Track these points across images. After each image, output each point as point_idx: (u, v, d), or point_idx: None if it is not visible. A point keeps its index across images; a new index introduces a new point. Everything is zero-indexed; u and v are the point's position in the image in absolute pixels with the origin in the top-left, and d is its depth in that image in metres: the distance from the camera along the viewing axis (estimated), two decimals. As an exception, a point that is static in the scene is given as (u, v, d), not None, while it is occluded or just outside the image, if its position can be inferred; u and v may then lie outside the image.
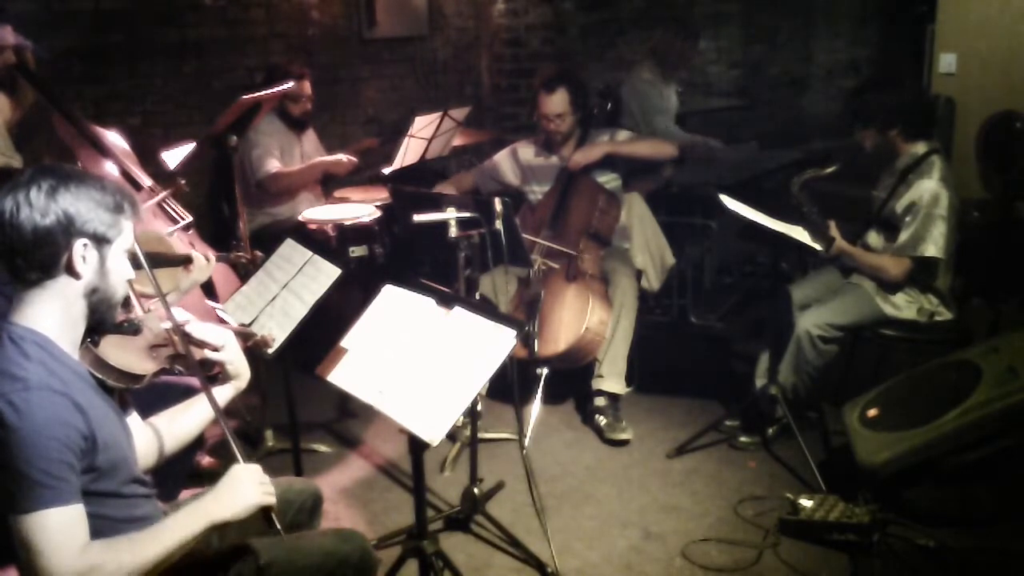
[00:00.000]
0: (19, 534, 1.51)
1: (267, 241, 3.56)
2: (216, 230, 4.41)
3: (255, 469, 1.75)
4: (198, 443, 2.56)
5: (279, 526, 1.75)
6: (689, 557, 2.85)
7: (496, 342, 2.15)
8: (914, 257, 3.23)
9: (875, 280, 3.36)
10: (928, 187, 3.20)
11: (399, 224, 4.28)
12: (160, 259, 2.73)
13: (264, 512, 1.72)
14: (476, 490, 3.01)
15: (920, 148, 3.31)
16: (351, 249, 3.94)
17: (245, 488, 1.71)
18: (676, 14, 6.17)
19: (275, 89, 3.62)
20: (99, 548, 1.57)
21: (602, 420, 3.63)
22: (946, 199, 3.19)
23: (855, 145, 3.45)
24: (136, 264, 1.78)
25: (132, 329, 1.78)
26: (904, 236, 3.25)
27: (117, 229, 1.66)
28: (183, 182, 3.33)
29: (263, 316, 2.77)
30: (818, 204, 3.40)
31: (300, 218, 4.08)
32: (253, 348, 2.55)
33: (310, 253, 2.87)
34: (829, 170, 3.34)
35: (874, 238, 3.45)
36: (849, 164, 3.38)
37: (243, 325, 2.71)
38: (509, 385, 2.99)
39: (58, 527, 1.52)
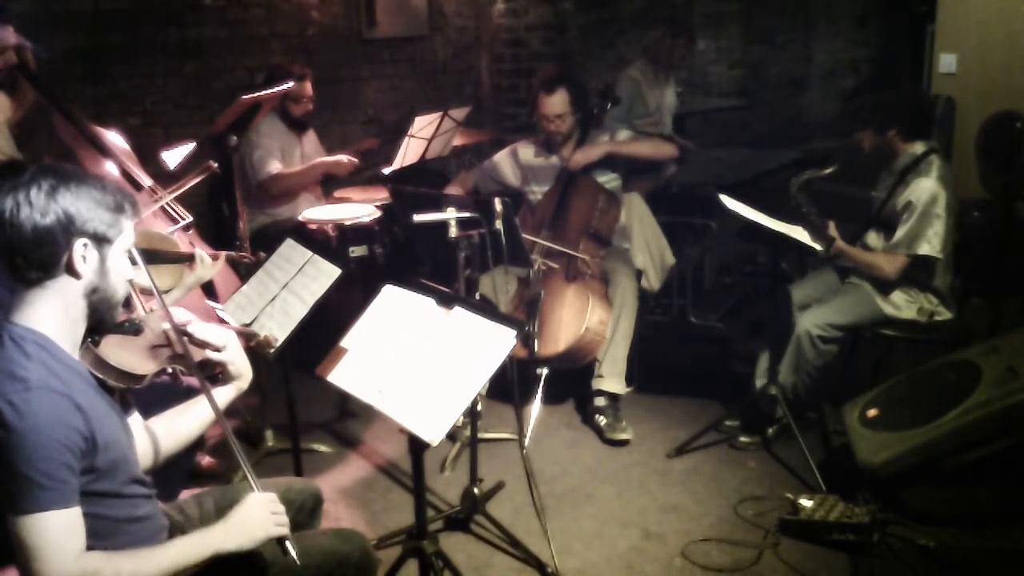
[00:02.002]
0: (17, 535, 1.51)
1: (267, 241, 3.55)
2: (216, 230, 4.41)
3: (268, 499, 1.74)
4: (198, 443, 2.57)
5: (294, 554, 1.74)
6: (689, 557, 2.85)
7: (496, 342, 2.15)
8: (909, 255, 3.23)
9: (872, 279, 3.36)
10: (926, 186, 3.20)
11: (399, 224, 4.28)
12: (164, 256, 2.73)
13: (278, 540, 1.72)
14: (476, 490, 3.01)
15: (919, 148, 3.32)
16: (351, 249, 3.94)
17: (256, 520, 1.71)
18: (671, 13, 6.17)
19: (275, 89, 3.62)
20: (98, 556, 1.57)
21: (602, 420, 3.63)
22: (943, 198, 3.19)
23: (854, 145, 3.45)
24: (136, 263, 1.77)
25: (133, 329, 1.77)
26: (900, 233, 3.25)
27: (117, 229, 1.66)
28: (216, 165, 3.30)
29: (263, 316, 2.77)
30: (817, 204, 3.40)
31: (300, 218, 4.08)
32: (255, 348, 2.54)
33: (310, 253, 2.87)
34: (828, 170, 3.34)
35: (873, 238, 3.45)
36: (848, 164, 3.38)
37: (244, 325, 2.71)
38: (509, 385, 2.99)
39: (56, 529, 1.52)
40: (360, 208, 4.10)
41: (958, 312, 3.38)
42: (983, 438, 2.81)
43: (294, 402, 3.13)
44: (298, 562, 1.76)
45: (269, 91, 3.50)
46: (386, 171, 4.45)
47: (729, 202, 3.34)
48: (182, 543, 1.67)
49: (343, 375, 2.32)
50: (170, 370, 1.95)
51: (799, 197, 3.38)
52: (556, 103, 3.79)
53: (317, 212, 4.12)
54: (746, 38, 7.20)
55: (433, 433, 2.05)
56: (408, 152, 4.40)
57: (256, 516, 1.71)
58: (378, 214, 4.05)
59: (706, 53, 7.07)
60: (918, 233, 3.21)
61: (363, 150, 4.74)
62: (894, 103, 3.36)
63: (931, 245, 3.20)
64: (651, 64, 5.16)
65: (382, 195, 4.39)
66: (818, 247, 3.33)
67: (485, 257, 3.05)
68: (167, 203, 3.35)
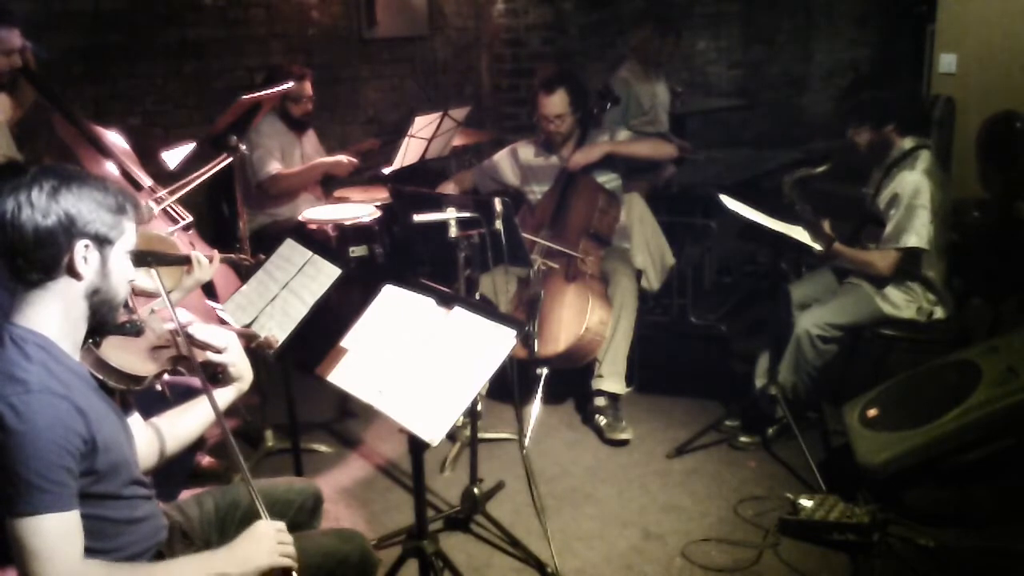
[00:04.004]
0: (14, 537, 1.51)
1: (267, 241, 3.56)
2: (216, 231, 4.41)
3: (276, 528, 1.72)
4: (198, 443, 2.57)
5: None
6: (689, 557, 2.85)
7: (496, 342, 2.15)
8: (899, 249, 3.24)
9: (866, 277, 3.36)
10: (910, 179, 3.20)
11: (399, 224, 4.29)
12: (162, 258, 2.74)
13: (284, 572, 1.69)
14: (476, 490, 3.01)
15: (908, 143, 3.32)
16: (351, 249, 3.94)
17: (262, 549, 1.68)
18: (656, 11, 6.16)
19: (275, 89, 3.62)
20: (96, 566, 1.57)
21: (602, 420, 3.63)
22: (928, 190, 3.18)
23: (850, 144, 3.45)
24: (139, 264, 1.77)
25: (134, 330, 1.77)
26: (888, 229, 3.26)
27: (119, 230, 1.66)
28: (244, 147, 3.27)
29: (263, 316, 2.77)
30: (812, 203, 3.40)
31: (300, 218, 4.09)
32: (256, 349, 2.54)
33: (310, 253, 2.87)
34: (820, 169, 3.34)
35: (866, 236, 3.45)
36: (844, 163, 3.39)
37: (244, 326, 2.71)
38: (509, 385, 2.99)
39: (54, 533, 1.51)
40: (360, 208, 4.11)
41: (956, 310, 3.38)
42: (983, 438, 2.81)
43: (294, 402, 3.13)
44: None
45: (269, 91, 3.51)
46: (386, 171, 4.46)
47: (729, 202, 3.34)
48: (184, 563, 1.67)
49: (343, 375, 2.32)
50: (159, 387, 1.92)
51: (791, 195, 3.38)
52: (556, 103, 3.79)
53: (317, 212, 4.13)
54: (746, 38, 7.20)
55: (433, 433, 2.06)
56: (408, 152, 4.40)
57: (263, 545, 1.69)
58: (378, 214, 4.05)
59: (706, 53, 7.07)
60: (905, 226, 3.21)
61: (363, 150, 4.75)
62: (891, 98, 3.36)
63: (919, 236, 3.19)
64: (640, 63, 5.15)
65: (382, 195, 4.39)
66: (818, 247, 3.33)
67: (485, 257, 3.05)
68: (165, 202, 3.35)
